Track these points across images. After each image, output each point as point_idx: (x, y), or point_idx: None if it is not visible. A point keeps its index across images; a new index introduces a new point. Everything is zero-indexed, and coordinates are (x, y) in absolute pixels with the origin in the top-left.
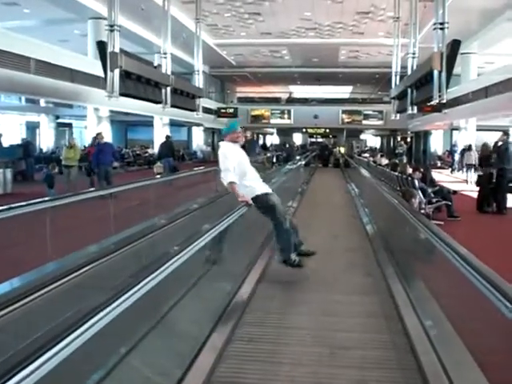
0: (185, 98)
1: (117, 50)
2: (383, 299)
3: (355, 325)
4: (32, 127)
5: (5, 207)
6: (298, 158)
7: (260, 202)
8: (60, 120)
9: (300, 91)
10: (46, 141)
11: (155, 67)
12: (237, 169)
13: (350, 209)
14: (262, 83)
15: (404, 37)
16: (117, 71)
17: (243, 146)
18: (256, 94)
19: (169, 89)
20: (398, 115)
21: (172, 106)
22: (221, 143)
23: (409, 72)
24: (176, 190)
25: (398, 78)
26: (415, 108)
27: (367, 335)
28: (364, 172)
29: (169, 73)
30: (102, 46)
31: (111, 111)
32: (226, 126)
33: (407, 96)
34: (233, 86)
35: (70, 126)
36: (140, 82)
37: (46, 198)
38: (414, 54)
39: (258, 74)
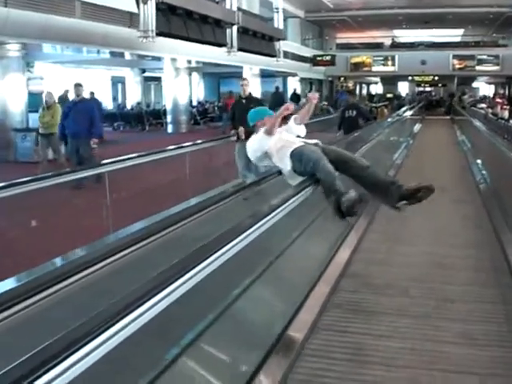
0: (260, 40)
1: None
2: (493, 253)
3: (464, 278)
4: (117, 82)
5: None
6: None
7: None
8: (147, 74)
9: (405, 35)
10: (132, 96)
11: (217, 2)
12: None
13: (460, 163)
14: (362, 28)
15: None
16: (151, 2)
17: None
18: (357, 39)
19: (235, 28)
20: None
21: (240, 49)
22: None
23: None
24: None
25: None
26: None
27: (476, 288)
28: (480, 126)
29: (234, 8)
30: None
31: (202, 63)
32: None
33: None
34: (331, 32)
35: (158, 80)
36: (192, 19)
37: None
38: None
39: (358, 17)
